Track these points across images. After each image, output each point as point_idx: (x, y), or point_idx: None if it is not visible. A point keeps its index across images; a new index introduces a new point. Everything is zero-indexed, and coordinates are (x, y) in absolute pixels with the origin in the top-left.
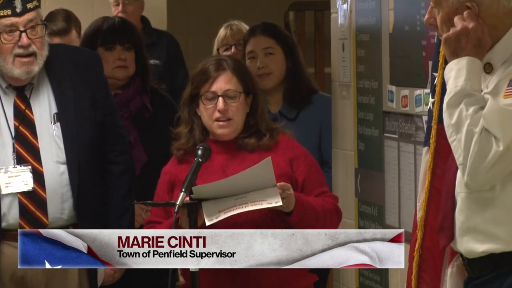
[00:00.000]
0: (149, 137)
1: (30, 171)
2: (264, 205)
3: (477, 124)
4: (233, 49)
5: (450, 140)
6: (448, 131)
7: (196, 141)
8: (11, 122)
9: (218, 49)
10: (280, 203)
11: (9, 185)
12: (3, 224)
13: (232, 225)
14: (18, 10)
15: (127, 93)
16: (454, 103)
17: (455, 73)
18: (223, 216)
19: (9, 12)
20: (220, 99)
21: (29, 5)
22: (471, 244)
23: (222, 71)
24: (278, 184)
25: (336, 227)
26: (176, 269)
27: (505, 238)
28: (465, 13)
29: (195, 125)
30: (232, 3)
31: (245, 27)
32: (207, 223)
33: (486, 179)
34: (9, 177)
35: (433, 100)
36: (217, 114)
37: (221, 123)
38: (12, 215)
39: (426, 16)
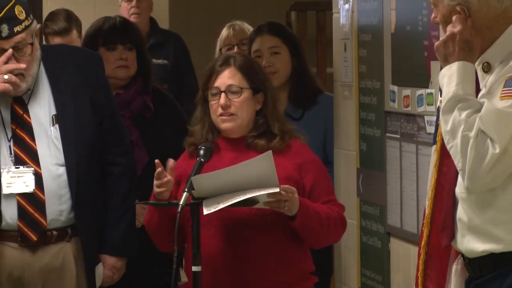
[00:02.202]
0: (150, 137)
1: (32, 173)
2: (262, 192)
3: (472, 129)
4: (235, 49)
5: (448, 146)
6: (445, 137)
7: (208, 138)
8: (8, 125)
9: (220, 49)
10: (278, 190)
11: (11, 185)
12: (1, 225)
13: (232, 227)
14: (3, 35)
15: (128, 93)
16: (448, 110)
17: (447, 79)
18: (221, 206)
19: None
20: (223, 94)
21: (16, 28)
22: (471, 244)
23: (226, 67)
24: (282, 186)
25: (340, 236)
26: (179, 269)
27: (505, 238)
28: (453, 18)
29: (207, 123)
30: (233, 3)
31: (247, 27)
32: (205, 212)
33: (486, 182)
34: (11, 177)
35: (441, 98)
36: (220, 110)
37: (224, 117)
38: (10, 216)
39: (433, 15)
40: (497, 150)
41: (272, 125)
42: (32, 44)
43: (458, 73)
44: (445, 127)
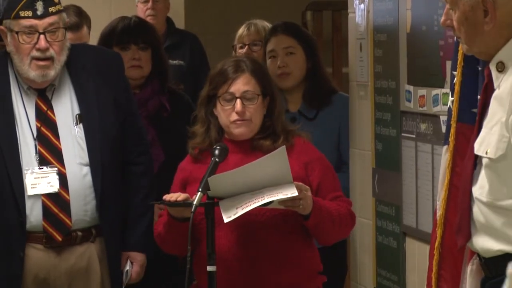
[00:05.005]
0: (167, 136)
1: (56, 173)
2: (280, 196)
3: None
4: (245, 48)
5: None
6: None
7: (212, 140)
8: (33, 123)
9: (233, 46)
10: (296, 194)
11: (35, 187)
12: (27, 226)
13: (243, 226)
14: (39, 12)
15: (145, 93)
16: None
17: None
18: (240, 212)
19: (30, 13)
20: (238, 100)
21: (51, 9)
22: (487, 243)
23: (240, 73)
24: (295, 183)
25: (349, 231)
26: (192, 268)
27: None
28: None
29: (212, 124)
30: (249, 3)
31: (265, 26)
32: (226, 220)
33: None
34: (35, 178)
35: (452, 98)
36: (234, 116)
37: (239, 122)
38: (35, 217)
39: (443, 18)
40: None
41: (276, 126)
42: (65, 29)
43: None
44: None
